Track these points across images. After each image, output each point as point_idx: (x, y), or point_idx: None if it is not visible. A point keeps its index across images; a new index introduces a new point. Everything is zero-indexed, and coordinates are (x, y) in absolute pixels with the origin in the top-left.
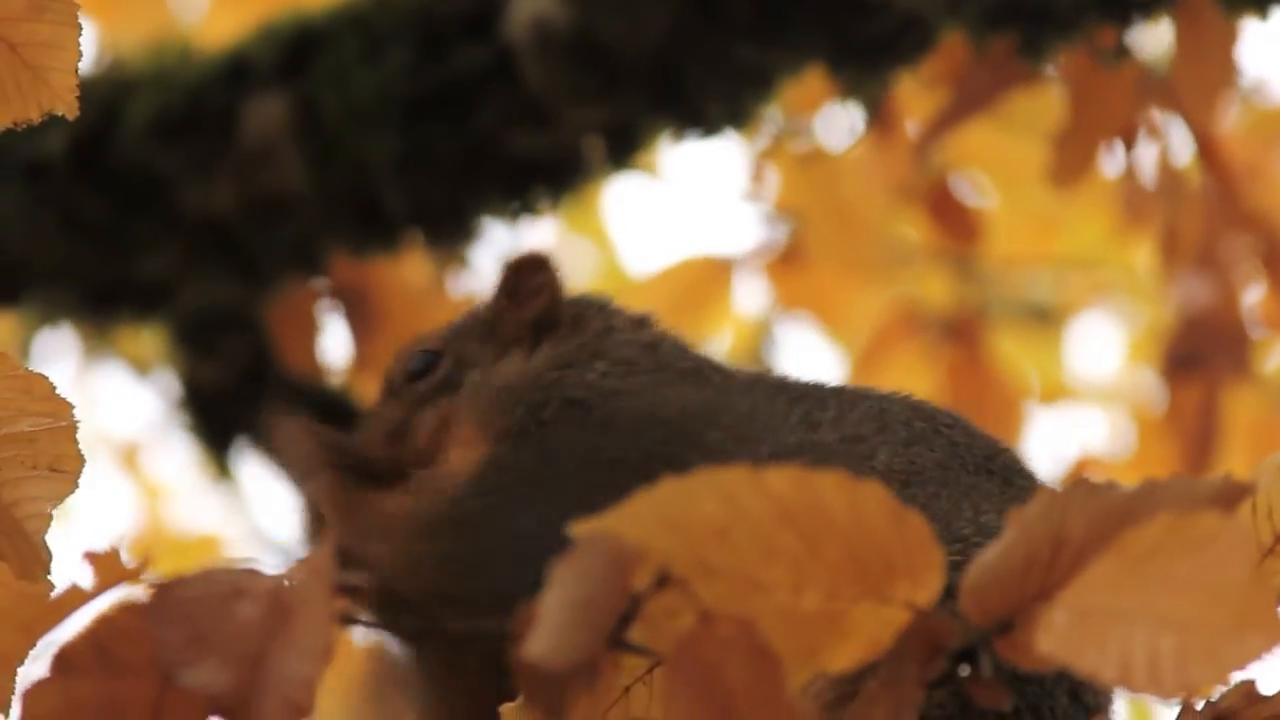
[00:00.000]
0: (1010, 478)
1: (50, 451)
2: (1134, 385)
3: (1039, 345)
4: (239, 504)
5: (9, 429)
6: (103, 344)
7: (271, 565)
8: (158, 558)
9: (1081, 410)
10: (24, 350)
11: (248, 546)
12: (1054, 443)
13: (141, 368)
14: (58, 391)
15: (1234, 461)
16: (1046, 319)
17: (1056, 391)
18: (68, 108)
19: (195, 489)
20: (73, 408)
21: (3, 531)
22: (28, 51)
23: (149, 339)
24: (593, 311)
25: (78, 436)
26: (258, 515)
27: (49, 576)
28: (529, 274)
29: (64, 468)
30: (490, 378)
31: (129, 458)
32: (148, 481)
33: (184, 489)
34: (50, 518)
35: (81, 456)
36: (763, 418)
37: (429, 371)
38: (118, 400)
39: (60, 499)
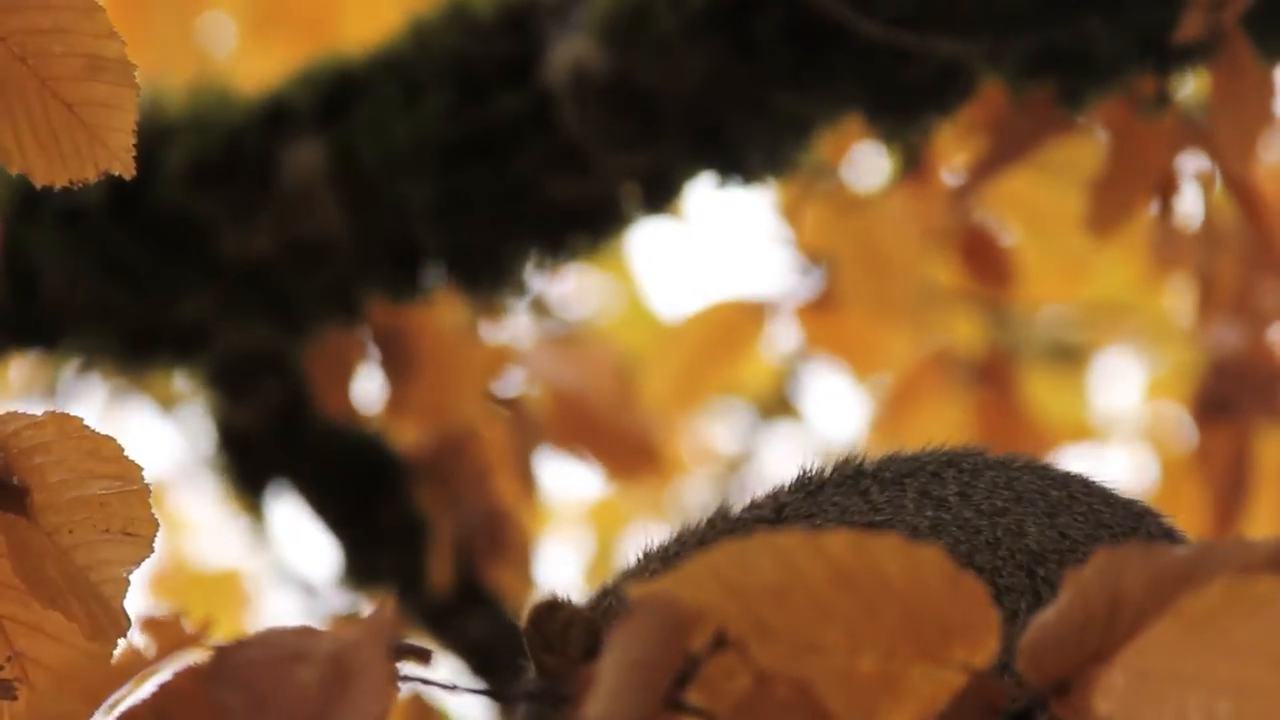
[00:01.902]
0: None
1: (123, 515)
2: (1159, 423)
3: (1064, 385)
4: (263, 541)
5: (79, 492)
6: (129, 383)
7: (317, 615)
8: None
9: (1106, 450)
10: (50, 390)
11: (270, 583)
12: None
13: (168, 405)
14: (125, 453)
15: (1264, 507)
16: (1072, 359)
17: (1081, 431)
18: (124, 167)
19: (218, 525)
20: (142, 470)
21: (75, 594)
22: (85, 111)
23: (177, 378)
24: None
25: (150, 500)
26: (283, 553)
27: (121, 641)
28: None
29: (138, 531)
30: None
31: (155, 494)
32: (171, 517)
33: (208, 525)
34: (127, 583)
35: (155, 520)
36: (887, 509)
37: None
38: (143, 438)
39: (136, 563)
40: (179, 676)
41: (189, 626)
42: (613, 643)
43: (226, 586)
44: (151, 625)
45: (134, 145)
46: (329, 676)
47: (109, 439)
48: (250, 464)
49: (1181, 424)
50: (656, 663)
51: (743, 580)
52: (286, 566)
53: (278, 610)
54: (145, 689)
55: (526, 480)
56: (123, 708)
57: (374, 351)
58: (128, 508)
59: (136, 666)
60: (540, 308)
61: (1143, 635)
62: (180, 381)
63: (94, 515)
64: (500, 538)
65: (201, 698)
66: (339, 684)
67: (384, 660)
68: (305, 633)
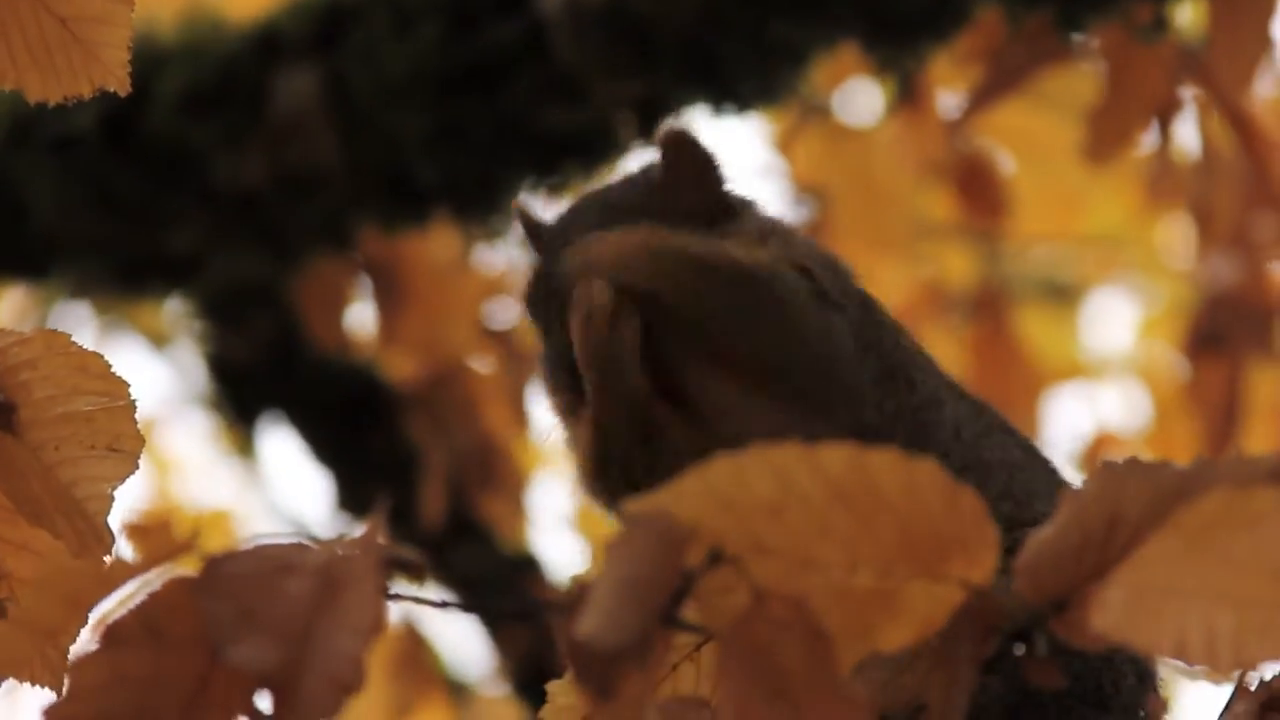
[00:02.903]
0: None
1: (109, 431)
2: (1151, 361)
3: (1058, 322)
4: (254, 479)
5: (65, 408)
6: (120, 317)
7: (320, 540)
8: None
9: (1099, 386)
10: (42, 323)
11: (262, 521)
12: (1072, 418)
13: (159, 342)
14: (113, 370)
15: (1256, 439)
16: (1065, 296)
17: (1074, 368)
18: (119, 83)
19: (209, 463)
20: (129, 386)
21: (60, 510)
22: (79, 26)
23: (167, 313)
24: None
25: (135, 416)
26: (274, 490)
27: (106, 556)
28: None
29: (123, 447)
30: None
31: (145, 432)
32: (160, 456)
33: (198, 464)
34: (112, 499)
35: (140, 436)
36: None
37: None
38: (134, 373)
39: (121, 479)
40: (168, 586)
41: (177, 534)
42: (606, 559)
43: (217, 525)
44: (137, 532)
45: (129, 61)
46: (319, 588)
47: (96, 355)
48: (242, 396)
49: (1174, 360)
50: (652, 579)
51: (739, 496)
52: (278, 504)
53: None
54: (135, 598)
55: (519, 412)
56: (112, 618)
57: (366, 282)
58: (114, 423)
59: (123, 575)
60: None
61: (1140, 550)
62: (172, 313)
63: (80, 431)
64: (492, 469)
65: (191, 608)
66: (328, 595)
67: (374, 573)
68: (296, 547)
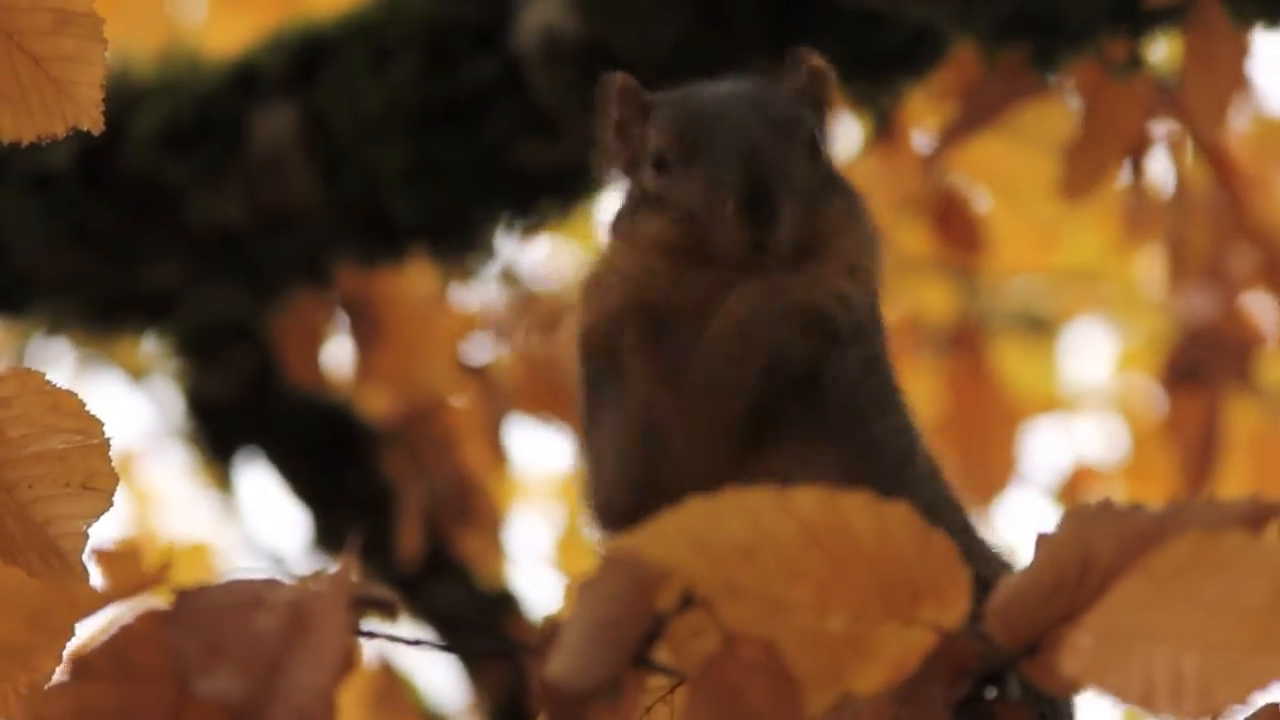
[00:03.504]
0: None
1: (82, 469)
2: (1129, 394)
3: (1035, 355)
4: (232, 513)
5: (39, 446)
6: (98, 351)
7: (290, 576)
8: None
9: (1077, 419)
10: (18, 359)
11: (240, 555)
12: (1050, 452)
13: (137, 375)
14: (87, 408)
15: (1234, 474)
16: (1043, 329)
17: (1052, 401)
18: (92, 122)
19: (188, 497)
20: (103, 425)
21: (34, 548)
22: (52, 65)
23: (146, 347)
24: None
25: (110, 454)
26: (251, 524)
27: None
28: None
29: (98, 485)
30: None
31: (123, 465)
32: (140, 489)
33: (177, 497)
34: (86, 536)
35: (114, 474)
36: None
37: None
38: (112, 408)
39: (95, 517)
40: (139, 619)
41: (146, 563)
42: (578, 600)
43: (196, 558)
44: (106, 559)
45: (102, 100)
46: (288, 623)
47: (69, 394)
48: (219, 432)
49: (1152, 394)
50: (623, 621)
51: (711, 538)
52: (255, 538)
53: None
54: (105, 630)
55: (496, 448)
56: (83, 649)
57: (343, 318)
58: (88, 462)
59: (94, 602)
60: (511, 275)
61: (1110, 594)
62: (148, 350)
63: (54, 469)
64: (469, 506)
65: (161, 640)
66: (298, 631)
67: (343, 610)
68: (267, 582)
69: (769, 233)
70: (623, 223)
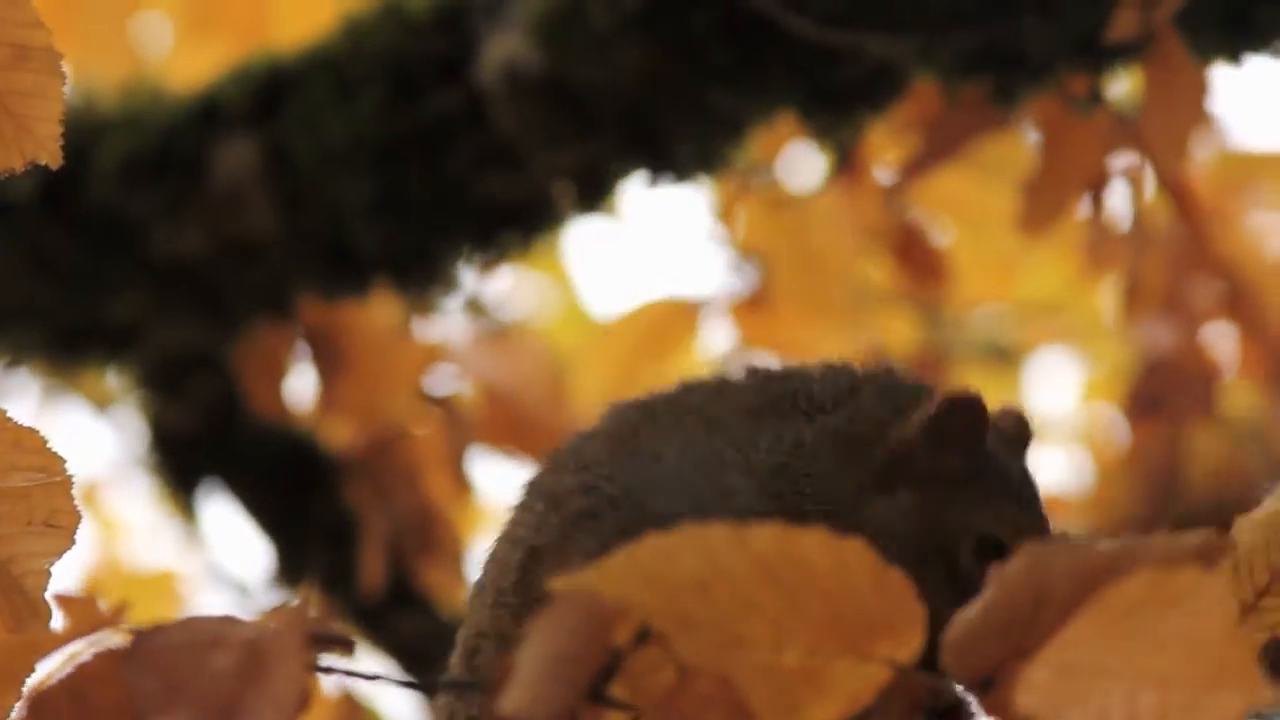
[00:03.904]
0: None
1: (45, 507)
2: (1094, 424)
3: (999, 386)
4: (197, 543)
5: (1, 484)
6: (62, 381)
7: (248, 613)
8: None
9: (1042, 449)
10: None
11: (204, 584)
12: None
13: (102, 405)
14: (49, 445)
15: (1197, 504)
16: (1006, 360)
17: None
18: (51, 157)
19: (153, 527)
20: (65, 462)
21: None
22: (10, 100)
23: (110, 377)
24: None
25: (72, 491)
26: (217, 554)
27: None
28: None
29: (60, 523)
30: None
31: (88, 495)
32: (106, 518)
33: (142, 526)
34: (49, 574)
35: (78, 512)
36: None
37: None
38: (77, 437)
39: (59, 554)
40: (97, 658)
41: (104, 606)
42: (532, 635)
43: (161, 588)
44: (65, 603)
45: (61, 135)
46: (245, 663)
47: (31, 430)
48: (182, 463)
49: (1116, 424)
50: (578, 656)
51: (667, 573)
52: (220, 568)
53: (212, 612)
54: (63, 668)
55: (459, 480)
56: (40, 688)
57: (305, 350)
58: (50, 499)
59: (48, 645)
60: (476, 307)
61: (1066, 629)
62: (112, 380)
63: (16, 508)
64: (432, 537)
65: (118, 680)
66: (255, 670)
67: (301, 648)
68: (225, 621)
69: None
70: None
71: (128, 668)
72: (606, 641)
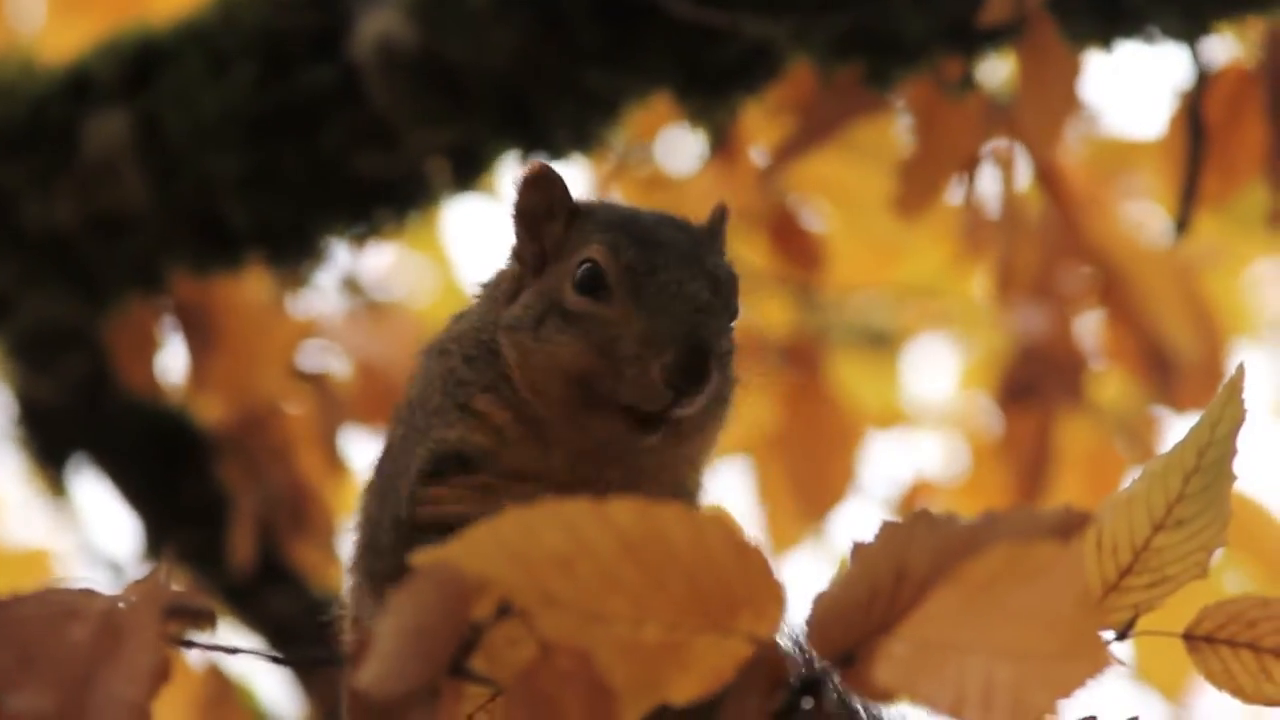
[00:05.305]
0: None
1: None
2: (968, 411)
3: (876, 371)
4: (70, 519)
5: None
6: None
7: (107, 585)
8: None
9: (917, 435)
10: None
11: (78, 561)
12: (890, 467)
13: None
14: None
15: (1067, 490)
16: (883, 344)
17: (892, 416)
18: None
19: (25, 503)
20: None
21: None
22: None
23: None
24: None
25: None
26: (89, 531)
27: None
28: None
29: None
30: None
31: None
32: None
33: (14, 503)
34: None
35: None
36: None
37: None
38: None
39: None
40: None
41: None
42: (391, 608)
43: (34, 565)
44: None
45: None
46: (100, 635)
47: None
48: (50, 438)
49: (989, 410)
50: (437, 630)
51: (529, 549)
52: (94, 545)
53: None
54: None
55: (332, 457)
56: None
57: (177, 325)
58: None
59: None
60: (353, 285)
61: (925, 604)
62: None
63: None
64: (303, 514)
65: None
66: (110, 642)
67: (156, 620)
68: (83, 593)
69: (688, 402)
70: (524, 326)
71: None
72: (466, 616)
